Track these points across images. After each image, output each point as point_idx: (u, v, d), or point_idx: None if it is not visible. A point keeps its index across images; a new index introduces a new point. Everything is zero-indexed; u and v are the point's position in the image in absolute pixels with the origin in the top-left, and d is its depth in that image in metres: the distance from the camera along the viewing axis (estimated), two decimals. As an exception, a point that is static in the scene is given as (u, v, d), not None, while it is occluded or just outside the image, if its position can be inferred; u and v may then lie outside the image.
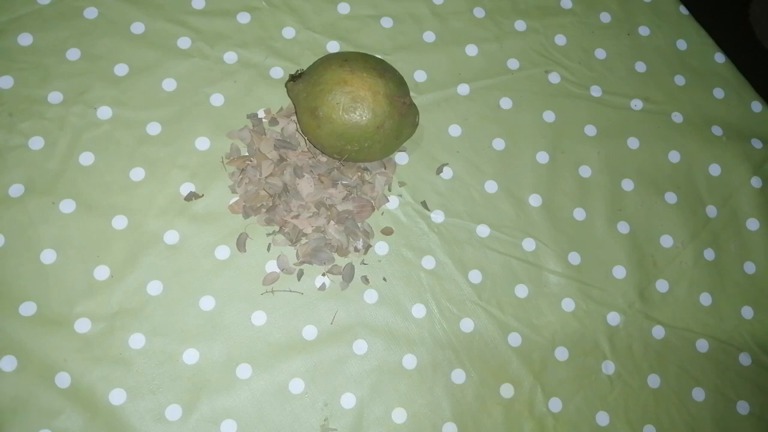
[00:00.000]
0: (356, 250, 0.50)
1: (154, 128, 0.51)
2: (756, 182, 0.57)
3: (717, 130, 0.58)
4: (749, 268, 0.55)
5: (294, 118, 0.53)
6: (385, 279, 0.50)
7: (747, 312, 0.54)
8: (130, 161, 0.50)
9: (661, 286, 0.53)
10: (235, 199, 0.51)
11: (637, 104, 0.58)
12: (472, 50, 0.57)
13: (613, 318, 0.52)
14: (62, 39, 0.53)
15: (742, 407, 0.51)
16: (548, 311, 0.51)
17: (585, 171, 0.55)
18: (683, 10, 0.62)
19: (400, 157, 0.53)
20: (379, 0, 0.58)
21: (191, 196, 0.50)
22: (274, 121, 0.53)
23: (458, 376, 0.49)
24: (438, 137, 0.55)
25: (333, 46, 0.56)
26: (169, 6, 0.55)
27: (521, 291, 0.51)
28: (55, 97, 0.51)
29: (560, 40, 0.59)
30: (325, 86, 0.47)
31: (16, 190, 0.49)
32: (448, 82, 0.56)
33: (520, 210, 0.53)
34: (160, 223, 0.49)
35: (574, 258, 0.53)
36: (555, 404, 0.49)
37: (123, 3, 0.54)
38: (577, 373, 0.50)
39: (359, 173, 0.52)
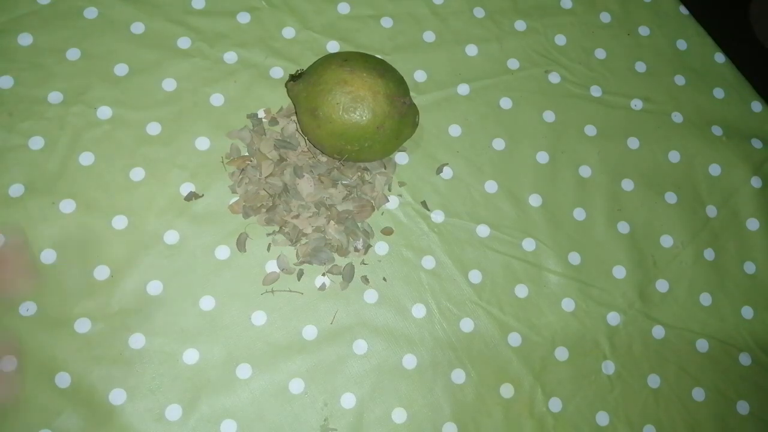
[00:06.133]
0: (356, 250, 0.50)
1: (154, 128, 0.51)
2: (756, 182, 0.57)
3: (717, 130, 0.58)
4: (749, 268, 0.55)
5: (294, 118, 0.53)
6: (385, 279, 0.50)
7: (747, 312, 0.54)
8: (130, 161, 0.50)
9: (661, 286, 0.53)
10: (235, 199, 0.51)
11: (637, 104, 0.58)
12: (472, 50, 0.57)
13: (613, 318, 0.52)
14: (62, 39, 0.53)
15: (742, 407, 0.51)
16: (548, 311, 0.51)
17: (585, 171, 0.55)
18: (683, 10, 0.62)
19: (400, 157, 0.53)
20: (379, 0, 0.58)
21: (191, 196, 0.50)
22: (274, 121, 0.53)
23: (458, 376, 0.49)
24: (438, 137, 0.54)
25: (333, 46, 0.56)
26: (169, 6, 0.55)
27: (521, 291, 0.51)
28: (55, 97, 0.51)
29: (560, 40, 0.59)
30: (325, 86, 0.47)
31: (16, 190, 0.48)
32: (448, 82, 0.56)
33: (520, 210, 0.53)
34: (160, 223, 0.49)
35: (574, 258, 0.53)
36: (555, 404, 0.49)
37: (123, 3, 0.54)
38: (577, 373, 0.50)
39: (359, 173, 0.52)
